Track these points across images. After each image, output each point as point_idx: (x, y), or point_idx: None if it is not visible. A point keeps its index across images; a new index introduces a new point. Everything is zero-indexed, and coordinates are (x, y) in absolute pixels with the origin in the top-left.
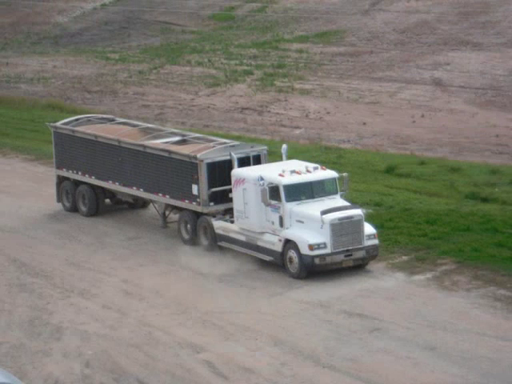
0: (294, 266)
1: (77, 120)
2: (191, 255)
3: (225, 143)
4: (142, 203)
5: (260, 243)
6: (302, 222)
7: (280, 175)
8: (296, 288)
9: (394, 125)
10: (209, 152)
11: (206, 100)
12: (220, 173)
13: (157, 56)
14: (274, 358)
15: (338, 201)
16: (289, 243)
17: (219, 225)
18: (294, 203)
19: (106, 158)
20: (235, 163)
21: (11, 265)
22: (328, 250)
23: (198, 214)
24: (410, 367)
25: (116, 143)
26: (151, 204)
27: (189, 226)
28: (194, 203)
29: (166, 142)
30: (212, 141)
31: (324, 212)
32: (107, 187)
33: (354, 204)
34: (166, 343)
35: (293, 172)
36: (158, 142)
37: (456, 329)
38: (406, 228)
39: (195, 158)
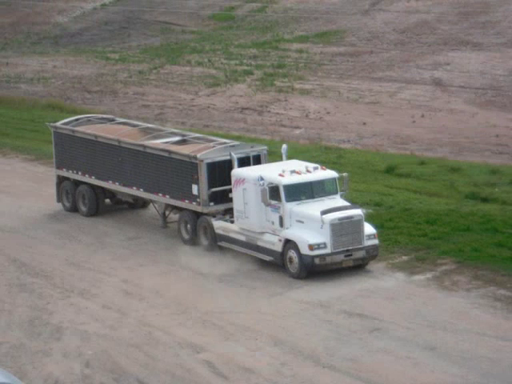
0: (294, 266)
1: (77, 120)
2: (191, 255)
3: (225, 143)
4: (142, 203)
5: (260, 243)
6: (301, 222)
7: (280, 175)
8: (296, 288)
9: (394, 125)
10: (209, 152)
11: (206, 100)
12: (220, 173)
13: (157, 56)
14: (274, 358)
15: (338, 201)
16: (289, 243)
17: (219, 225)
18: (294, 203)
19: (106, 157)
20: (235, 163)
21: (11, 265)
22: (328, 250)
23: (197, 214)
24: (410, 367)
25: (116, 143)
26: (151, 204)
27: (189, 225)
28: (194, 203)
29: (166, 142)
30: (212, 141)
31: (324, 212)
32: (107, 187)
33: (354, 204)
34: (166, 343)
35: (293, 172)
36: (158, 142)
37: (456, 329)
38: (406, 228)
39: (195, 158)
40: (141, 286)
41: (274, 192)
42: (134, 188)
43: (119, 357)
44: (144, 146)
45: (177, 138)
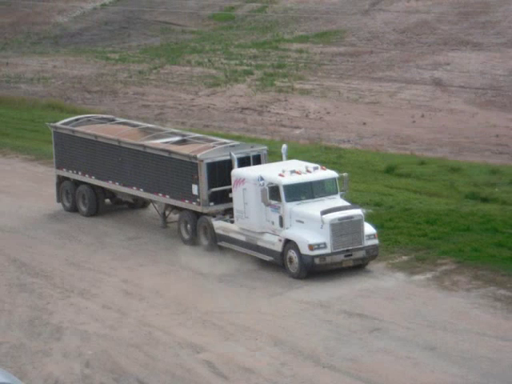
0: (294, 266)
1: (77, 120)
2: (191, 255)
3: (225, 143)
4: (142, 203)
5: (260, 243)
6: (301, 222)
7: (280, 175)
8: (296, 288)
9: (394, 125)
10: (209, 152)
11: (205, 100)
12: (220, 173)
13: (157, 56)
14: (274, 358)
15: (338, 201)
16: (289, 243)
17: (219, 225)
18: (294, 203)
19: (106, 158)
20: (235, 163)
21: (11, 265)
22: (328, 250)
23: (198, 214)
24: (410, 367)
25: (116, 143)
26: (151, 204)
27: (189, 225)
28: (194, 203)
29: (166, 142)
30: (212, 141)
31: (324, 212)
32: (107, 187)
33: (354, 204)
34: (166, 343)
35: (293, 172)
36: (158, 142)
37: (456, 329)
38: (406, 228)
39: (195, 158)
40: (141, 286)
41: (274, 192)
42: (134, 188)
43: (119, 357)
44: (144, 146)
45: (177, 138)
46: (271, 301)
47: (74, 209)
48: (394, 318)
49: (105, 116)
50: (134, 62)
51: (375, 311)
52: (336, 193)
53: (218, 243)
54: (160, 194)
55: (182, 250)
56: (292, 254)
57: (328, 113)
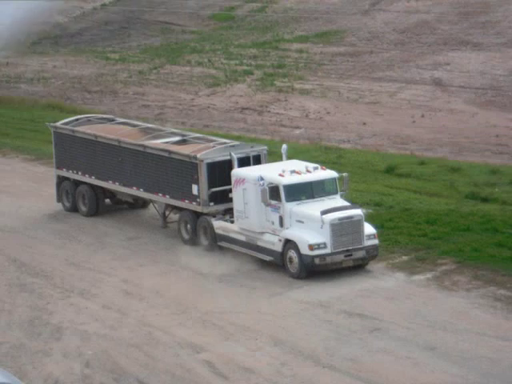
0: (293, 266)
1: (77, 120)
2: (191, 255)
3: (225, 143)
4: (142, 203)
5: (260, 243)
6: (301, 222)
7: (280, 175)
8: (296, 288)
9: (394, 125)
10: (209, 152)
11: (205, 100)
12: (220, 173)
13: (157, 56)
14: (274, 358)
15: (338, 201)
16: (289, 243)
17: (219, 225)
18: (293, 203)
19: (105, 157)
20: (235, 163)
21: (11, 265)
22: (328, 250)
23: (197, 214)
24: (410, 367)
25: (116, 143)
26: (151, 204)
27: (189, 225)
28: (194, 203)
29: (166, 142)
30: (212, 141)
31: (324, 212)
32: (107, 187)
33: (354, 204)
34: (166, 343)
35: (293, 172)
36: (158, 142)
37: (456, 329)
38: (406, 228)
39: (195, 158)
40: (141, 286)
41: (273, 192)
42: (134, 188)
43: (119, 357)
44: (144, 146)
45: (177, 138)
46: (271, 301)
47: (74, 209)
48: (394, 318)
49: (105, 116)
50: (134, 62)
51: (375, 311)
52: (336, 193)
53: (218, 243)
54: (160, 194)
55: (181, 250)
56: (292, 253)
57: (328, 113)
